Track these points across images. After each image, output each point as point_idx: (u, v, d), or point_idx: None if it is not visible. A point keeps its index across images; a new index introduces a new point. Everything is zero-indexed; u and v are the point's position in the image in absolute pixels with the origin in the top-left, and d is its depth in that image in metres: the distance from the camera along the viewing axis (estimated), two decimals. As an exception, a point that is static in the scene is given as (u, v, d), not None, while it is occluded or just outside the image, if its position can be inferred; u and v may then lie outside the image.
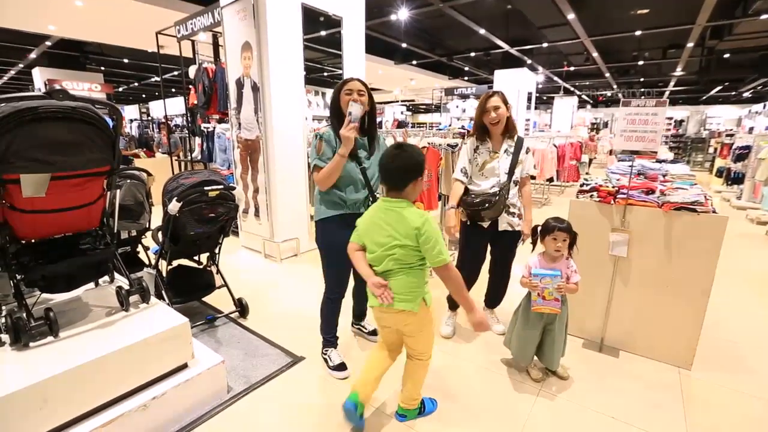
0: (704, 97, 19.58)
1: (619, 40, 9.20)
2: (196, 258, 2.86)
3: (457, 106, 11.09)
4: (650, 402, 1.97)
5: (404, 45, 9.86)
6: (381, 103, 17.46)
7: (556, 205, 7.10)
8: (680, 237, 2.12)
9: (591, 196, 2.36)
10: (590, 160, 11.30)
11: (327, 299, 2.20)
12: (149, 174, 2.94)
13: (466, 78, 14.79)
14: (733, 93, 17.69)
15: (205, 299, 2.97)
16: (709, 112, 18.72)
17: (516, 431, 1.78)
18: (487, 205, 2.27)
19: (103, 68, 11.40)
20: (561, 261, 1.97)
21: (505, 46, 9.73)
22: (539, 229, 2.01)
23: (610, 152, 12.28)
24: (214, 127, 5.06)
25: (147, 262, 3.00)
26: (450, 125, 9.17)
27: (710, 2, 6.36)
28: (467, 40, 9.88)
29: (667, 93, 17.90)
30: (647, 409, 1.92)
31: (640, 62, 11.64)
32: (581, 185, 2.46)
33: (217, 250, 2.78)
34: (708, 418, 1.87)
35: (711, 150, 12.32)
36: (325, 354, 2.24)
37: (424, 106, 22.61)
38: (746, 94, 17.84)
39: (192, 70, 5.29)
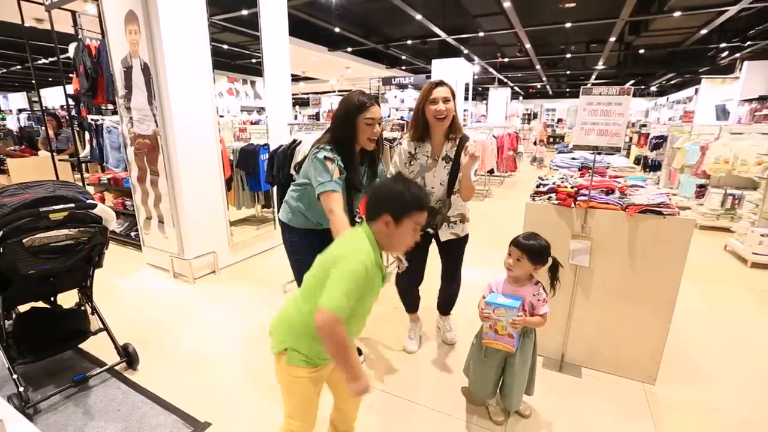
0: (619, 91, 21.25)
1: (550, 32, 9.40)
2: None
3: (395, 97, 10.76)
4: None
5: (337, 30, 9.23)
6: (317, 93, 16.60)
7: (498, 198, 7.05)
8: (645, 242, 1.89)
9: (549, 198, 2.06)
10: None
11: None
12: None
13: (403, 67, 14.48)
14: (643, 87, 19.43)
15: (85, 346, 2.25)
16: (621, 104, 20.40)
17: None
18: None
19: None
20: (528, 285, 1.63)
21: (442, 34, 9.52)
22: None
23: (535, 143, 12.75)
24: (103, 120, 4.13)
25: None
26: (389, 116, 8.79)
27: (632, -2, 6.60)
28: (404, 27, 9.52)
29: (588, 85, 19.08)
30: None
31: (568, 55, 12.15)
32: (537, 186, 2.16)
33: (88, 284, 2.09)
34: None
35: (627, 139, 13.34)
36: None
37: (363, 97, 21.99)
38: (653, 89, 19.74)
39: (72, 49, 4.29)
